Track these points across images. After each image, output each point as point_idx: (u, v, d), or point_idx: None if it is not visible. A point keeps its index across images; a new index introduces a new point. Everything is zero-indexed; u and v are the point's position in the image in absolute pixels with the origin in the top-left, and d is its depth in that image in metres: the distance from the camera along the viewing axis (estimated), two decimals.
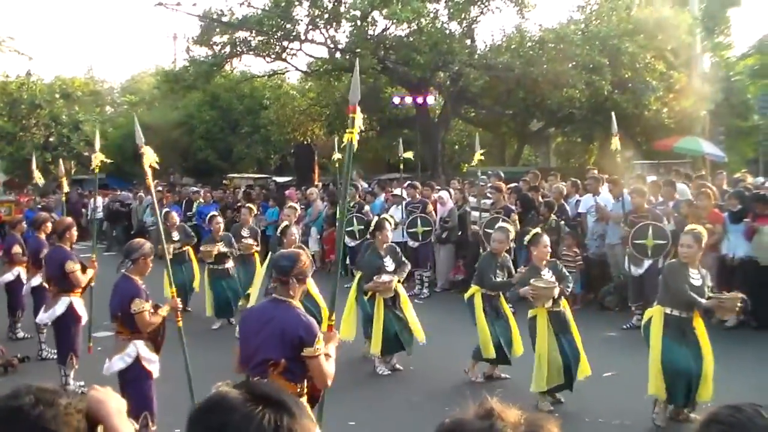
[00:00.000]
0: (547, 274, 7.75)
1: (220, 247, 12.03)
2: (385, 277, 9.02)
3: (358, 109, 4.81)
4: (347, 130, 4.85)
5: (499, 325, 8.56)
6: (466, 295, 8.80)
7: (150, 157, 6.41)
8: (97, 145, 8.82)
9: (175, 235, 13.11)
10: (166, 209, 14.72)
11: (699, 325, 7.05)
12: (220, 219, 12.72)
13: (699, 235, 7.06)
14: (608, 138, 10.79)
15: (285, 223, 10.61)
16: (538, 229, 8.47)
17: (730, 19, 31.19)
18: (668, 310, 6.95)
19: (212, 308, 12.20)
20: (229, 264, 12.28)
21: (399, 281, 9.28)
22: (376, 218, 10.11)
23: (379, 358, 9.20)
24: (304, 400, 4.31)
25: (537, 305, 7.58)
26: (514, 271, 8.64)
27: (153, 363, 6.26)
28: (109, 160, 8.82)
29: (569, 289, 7.90)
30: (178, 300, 6.56)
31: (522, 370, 8.60)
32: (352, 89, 4.82)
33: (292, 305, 4.56)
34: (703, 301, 6.90)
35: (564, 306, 7.77)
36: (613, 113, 10.84)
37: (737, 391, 7.66)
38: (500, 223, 9.51)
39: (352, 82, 4.86)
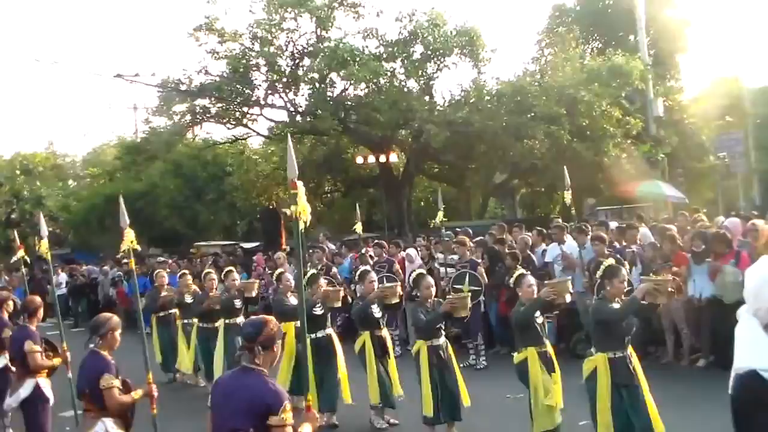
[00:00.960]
0: (540, 318, 7.81)
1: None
2: (388, 283, 9.28)
3: (300, 184, 4.87)
4: (291, 207, 4.88)
5: (447, 377, 8.48)
6: (413, 350, 8.79)
7: (129, 240, 6.60)
8: (44, 231, 8.84)
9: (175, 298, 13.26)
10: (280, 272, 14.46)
11: (636, 362, 6.94)
12: (236, 275, 12.56)
13: (625, 272, 7.14)
14: (572, 185, 10.99)
15: (280, 270, 11.36)
16: (521, 270, 8.64)
17: (680, 64, 32.18)
18: (611, 354, 6.78)
19: (192, 364, 12.14)
20: (219, 323, 11.90)
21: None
22: (360, 270, 10.32)
23: (376, 410, 9.31)
24: None
25: (454, 315, 8.32)
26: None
27: None
28: (45, 252, 8.75)
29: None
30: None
31: (490, 420, 8.64)
32: (289, 165, 4.91)
33: (261, 373, 4.53)
34: (637, 291, 6.78)
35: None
36: (565, 168, 11.05)
37: (708, 428, 7.75)
38: (418, 271, 9.63)
39: (288, 158, 4.95)
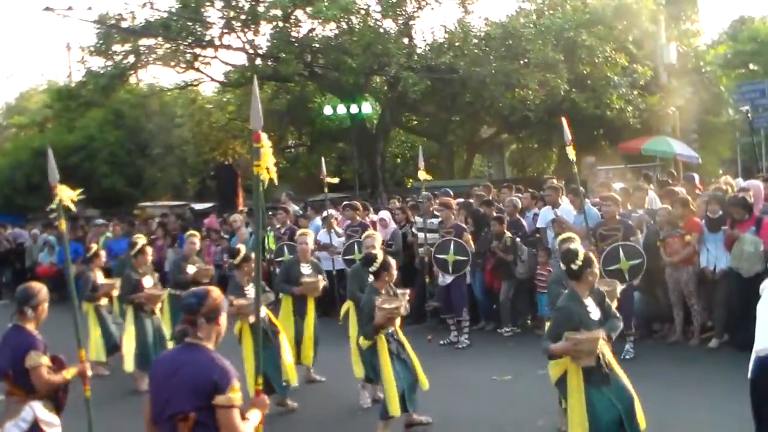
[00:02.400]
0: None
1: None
2: (307, 279, 9.70)
3: (264, 136, 4.79)
4: (254, 163, 4.81)
5: (402, 365, 8.34)
6: (364, 344, 8.49)
7: (66, 197, 6.42)
8: None
9: (190, 268, 12.42)
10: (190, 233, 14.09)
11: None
12: (196, 240, 12.35)
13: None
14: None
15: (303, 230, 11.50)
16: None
17: (698, 3, 32.07)
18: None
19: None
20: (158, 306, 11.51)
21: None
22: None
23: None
24: None
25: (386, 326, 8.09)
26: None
27: (54, 427, 6.11)
28: None
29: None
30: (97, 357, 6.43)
31: (472, 402, 8.68)
32: (253, 113, 4.81)
33: (205, 348, 4.50)
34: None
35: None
36: (564, 119, 10.94)
37: (719, 417, 7.84)
38: (368, 232, 9.68)
39: (252, 105, 4.85)
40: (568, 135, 10.52)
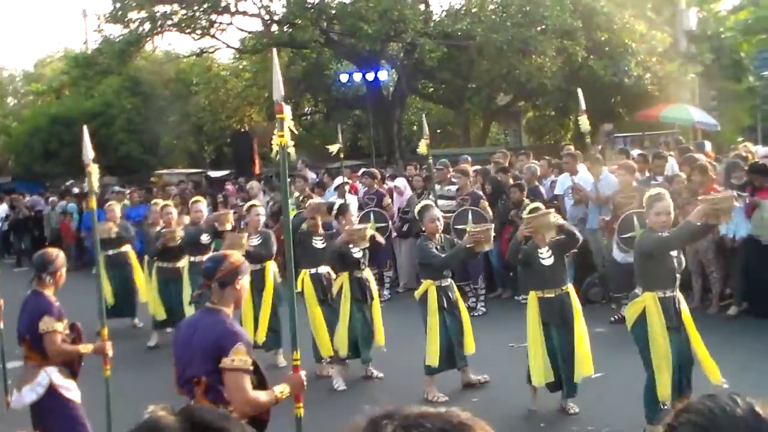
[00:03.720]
0: (547, 258, 7.80)
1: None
2: (356, 226, 9.28)
3: (287, 108, 4.73)
4: (277, 133, 4.75)
5: (452, 322, 8.58)
6: (418, 293, 8.80)
7: (95, 178, 6.51)
8: None
9: (113, 233, 12.98)
10: (109, 203, 14.32)
11: (683, 301, 7.01)
12: (202, 206, 11.95)
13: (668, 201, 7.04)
14: (588, 110, 10.83)
15: (254, 201, 10.84)
16: (427, 201, 9.15)
17: None
18: (661, 294, 6.76)
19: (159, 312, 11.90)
20: (182, 263, 11.60)
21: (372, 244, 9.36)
22: (338, 202, 10.18)
23: (339, 369, 9.24)
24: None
25: (477, 250, 8.20)
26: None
27: (72, 391, 6.13)
28: None
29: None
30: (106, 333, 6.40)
31: (490, 371, 8.69)
32: (275, 84, 4.75)
33: (221, 313, 4.51)
34: (693, 214, 6.59)
35: (567, 291, 7.80)
36: (579, 90, 10.86)
37: (740, 386, 7.77)
38: (424, 202, 9.59)
39: (273, 76, 4.79)
40: (582, 104, 10.47)
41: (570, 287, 7.90)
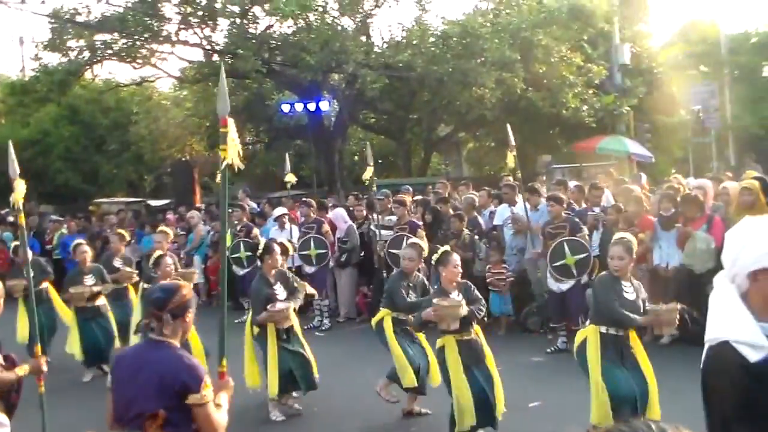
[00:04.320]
0: (457, 298, 7.74)
1: (93, 288, 11.56)
2: (279, 305, 8.95)
3: (231, 121, 4.72)
4: (220, 147, 4.72)
5: (414, 349, 8.60)
6: (374, 321, 8.83)
7: (20, 193, 6.37)
8: None
9: (89, 280, 12.56)
10: (78, 242, 14.00)
11: (636, 344, 7.19)
12: (86, 247, 12.00)
13: (629, 244, 7.23)
14: (527, 141, 11.03)
15: (158, 252, 10.46)
16: (446, 247, 8.45)
17: (649, 6, 32.45)
18: (603, 329, 6.99)
19: (82, 354, 11.73)
20: (101, 301, 11.62)
21: (294, 309, 9.23)
22: (263, 241, 9.99)
23: (273, 402, 9.11)
24: None
25: (441, 327, 7.51)
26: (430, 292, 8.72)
27: (3, 427, 6.00)
28: None
29: (481, 313, 7.79)
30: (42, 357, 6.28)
31: (442, 405, 8.71)
32: (220, 98, 4.75)
33: (171, 346, 4.45)
34: (638, 318, 7.02)
35: (477, 333, 7.79)
36: (508, 125, 11.08)
37: (671, 411, 7.91)
38: (411, 240, 9.59)
39: (219, 89, 4.80)
40: (512, 139, 10.65)
41: (478, 329, 7.85)
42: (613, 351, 6.97)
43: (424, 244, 12.22)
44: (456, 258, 7.88)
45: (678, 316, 7.23)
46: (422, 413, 8.77)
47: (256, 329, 9.13)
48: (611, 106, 25.20)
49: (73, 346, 11.63)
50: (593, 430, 6.95)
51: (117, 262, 12.29)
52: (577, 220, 11.55)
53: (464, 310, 7.43)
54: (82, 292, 11.36)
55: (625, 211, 11.84)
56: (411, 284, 8.68)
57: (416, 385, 8.46)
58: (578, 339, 7.21)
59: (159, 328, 4.49)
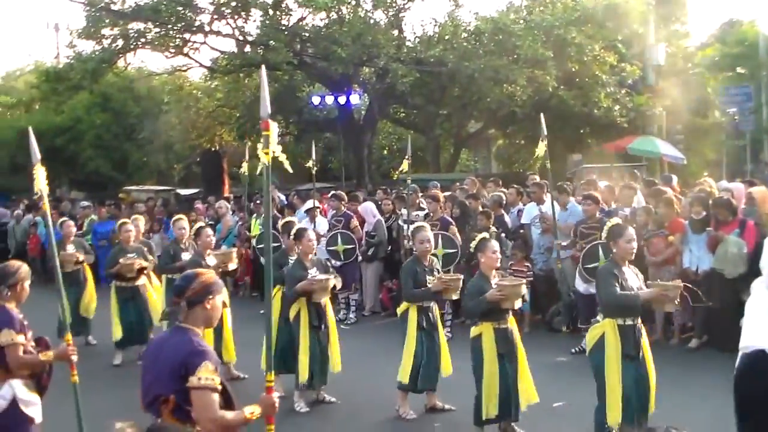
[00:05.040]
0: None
1: (141, 262, 11.60)
2: (320, 276, 9.08)
3: (273, 124, 4.74)
4: (262, 149, 4.74)
5: (429, 343, 8.64)
6: (400, 310, 8.86)
7: (41, 180, 6.39)
8: None
9: (70, 248, 12.94)
10: (63, 219, 14.32)
11: (643, 330, 7.16)
12: (131, 226, 12.15)
13: (632, 232, 7.29)
14: (557, 140, 10.97)
15: (200, 223, 10.70)
16: (485, 234, 8.61)
17: (687, 5, 32.09)
18: (621, 321, 6.90)
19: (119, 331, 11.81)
20: (141, 281, 11.79)
21: (334, 288, 9.35)
22: (295, 227, 10.08)
23: (299, 393, 9.18)
24: None
25: (506, 306, 7.66)
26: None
27: (33, 406, 6.08)
28: None
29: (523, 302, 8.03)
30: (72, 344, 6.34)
31: (454, 396, 8.72)
32: (262, 102, 4.77)
33: (189, 331, 4.48)
34: (641, 292, 6.95)
35: (511, 323, 7.87)
36: (542, 116, 11.01)
37: (697, 417, 7.87)
38: (417, 223, 9.61)
39: (261, 92, 4.82)
40: (544, 130, 10.63)
41: (513, 320, 7.94)
42: (632, 343, 6.92)
43: (457, 239, 12.33)
44: (494, 244, 8.05)
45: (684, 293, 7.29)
46: (445, 409, 8.78)
47: (292, 313, 9.20)
48: (644, 106, 25.02)
49: (115, 329, 11.70)
50: None
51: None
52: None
53: (525, 290, 7.77)
54: (131, 264, 11.49)
55: (656, 213, 11.75)
56: (426, 268, 8.71)
57: (408, 382, 8.49)
58: (593, 336, 7.09)
59: (181, 314, 4.56)
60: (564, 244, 11.65)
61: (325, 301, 9.23)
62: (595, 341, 7.03)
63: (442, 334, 8.95)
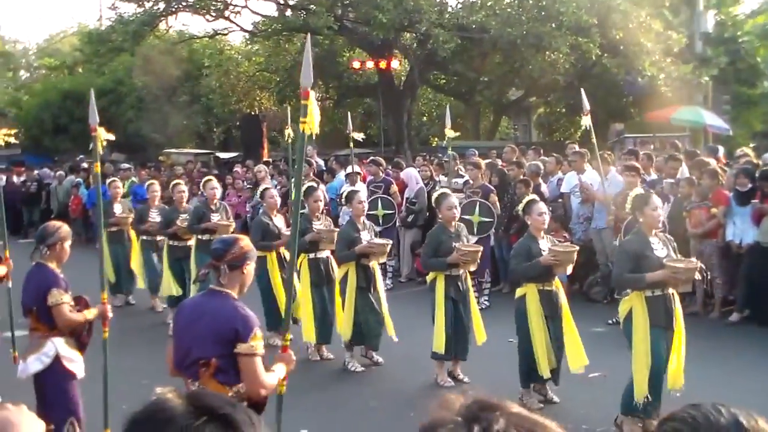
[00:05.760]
0: (546, 245, 7.89)
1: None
2: (378, 240, 9.38)
3: (313, 94, 4.74)
4: (300, 119, 4.75)
5: (460, 311, 8.68)
6: (428, 279, 8.91)
7: (102, 139, 6.42)
8: None
9: (117, 208, 13.30)
10: (111, 179, 14.54)
11: (677, 299, 7.04)
12: (183, 187, 12.39)
13: (657, 200, 7.19)
14: (599, 108, 10.85)
15: (265, 184, 10.86)
16: (533, 196, 8.63)
17: None
18: (649, 293, 6.82)
19: (174, 289, 11.99)
20: (192, 242, 11.85)
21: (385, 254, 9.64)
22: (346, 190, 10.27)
23: (351, 352, 9.39)
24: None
25: (559, 272, 7.77)
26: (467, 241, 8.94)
27: (75, 362, 6.20)
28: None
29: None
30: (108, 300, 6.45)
31: (490, 365, 8.74)
32: (304, 70, 4.75)
33: (229, 296, 4.54)
34: (652, 274, 6.75)
35: (557, 287, 7.89)
36: (582, 90, 10.89)
37: (736, 393, 7.80)
38: (441, 190, 9.66)
39: (304, 61, 4.79)
40: (586, 104, 10.50)
41: (558, 282, 8.02)
42: (664, 313, 6.84)
43: (495, 208, 12.32)
44: (541, 206, 8.11)
45: (697, 276, 7.06)
46: (463, 381, 8.81)
47: (339, 274, 9.39)
48: (689, 75, 24.63)
49: (170, 287, 11.85)
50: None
51: (153, 213, 12.82)
52: (652, 192, 11.33)
53: (574, 257, 7.83)
54: (227, 226, 11.39)
55: (699, 184, 11.59)
56: (453, 234, 8.72)
57: (444, 351, 8.54)
58: (624, 308, 7.05)
59: (217, 278, 4.60)
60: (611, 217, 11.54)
61: (374, 264, 9.38)
62: (625, 314, 7.00)
63: (474, 303, 8.99)
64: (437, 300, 8.59)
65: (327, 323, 9.61)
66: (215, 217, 11.31)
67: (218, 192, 11.83)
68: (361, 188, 14.82)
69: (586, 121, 10.55)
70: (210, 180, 12.09)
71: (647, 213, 6.98)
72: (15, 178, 24.72)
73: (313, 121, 4.71)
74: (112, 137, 6.55)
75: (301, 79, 4.75)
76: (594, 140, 10.64)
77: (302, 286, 9.53)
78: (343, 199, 10.43)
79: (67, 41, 45.17)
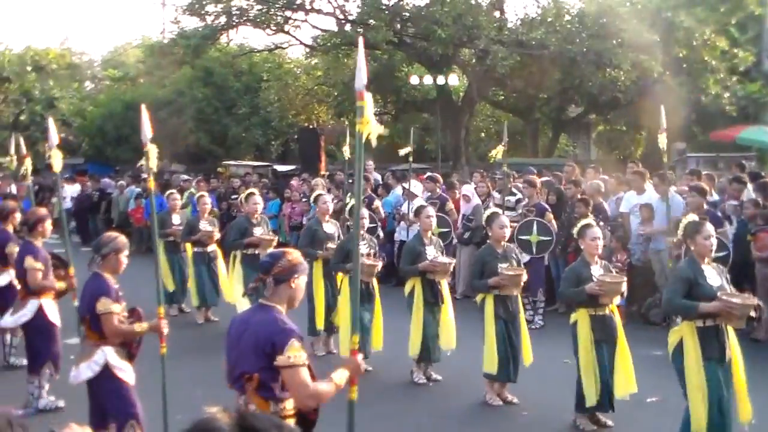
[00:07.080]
0: (598, 272, 7.77)
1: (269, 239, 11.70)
2: (442, 258, 9.37)
3: (368, 95, 4.73)
4: (357, 120, 4.76)
5: (510, 332, 8.62)
6: (478, 299, 8.88)
7: (153, 158, 6.49)
8: (54, 139, 8.22)
9: (176, 219, 13.57)
10: (170, 191, 14.78)
11: (730, 330, 6.76)
12: (258, 198, 12.25)
13: (711, 228, 6.92)
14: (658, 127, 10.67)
15: (318, 191, 11.76)
16: (588, 220, 8.52)
17: None
18: (700, 323, 6.58)
19: (197, 298, 12.32)
20: (212, 248, 12.29)
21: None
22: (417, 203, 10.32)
23: (417, 365, 9.46)
24: (290, 422, 4.27)
25: (605, 302, 7.65)
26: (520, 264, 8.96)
27: (125, 372, 6.25)
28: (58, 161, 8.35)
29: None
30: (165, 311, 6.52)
31: (542, 387, 8.63)
32: (358, 72, 4.77)
33: (273, 309, 4.53)
34: (705, 304, 6.48)
35: (612, 310, 7.78)
36: (662, 106, 10.72)
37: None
38: (491, 209, 9.64)
39: (358, 63, 4.82)
40: (664, 122, 10.30)
41: (614, 307, 7.89)
42: (717, 346, 6.58)
43: (552, 227, 12.21)
44: (595, 231, 8.00)
45: (753, 313, 6.63)
46: (512, 402, 8.72)
47: (407, 287, 9.43)
48: (757, 94, 24.22)
49: (233, 293, 11.88)
50: None
51: (204, 224, 12.97)
52: (718, 214, 11.16)
53: (624, 288, 7.72)
54: (270, 240, 11.59)
55: (765, 206, 11.37)
56: (500, 255, 8.71)
57: (496, 373, 8.51)
58: (673, 340, 6.79)
59: (266, 291, 4.61)
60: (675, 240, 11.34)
61: (441, 279, 9.45)
62: (675, 345, 6.76)
63: (524, 323, 8.92)
64: (486, 320, 8.57)
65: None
66: (258, 231, 11.44)
67: (260, 207, 11.93)
68: (419, 203, 14.85)
69: (662, 139, 10.39)
70: (252, 194, 12.16)
71: (699, 241, 6.77)
72: (78, 187, 25.22)
73: (369, 123, 4.68)
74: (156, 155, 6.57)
75: (356, 81, 4.75)
76: (665, 159, 10.45)
77: (342, 298, 9.64)
78: (411, 214, 10.47)
79: (131, 53, 45.96)
